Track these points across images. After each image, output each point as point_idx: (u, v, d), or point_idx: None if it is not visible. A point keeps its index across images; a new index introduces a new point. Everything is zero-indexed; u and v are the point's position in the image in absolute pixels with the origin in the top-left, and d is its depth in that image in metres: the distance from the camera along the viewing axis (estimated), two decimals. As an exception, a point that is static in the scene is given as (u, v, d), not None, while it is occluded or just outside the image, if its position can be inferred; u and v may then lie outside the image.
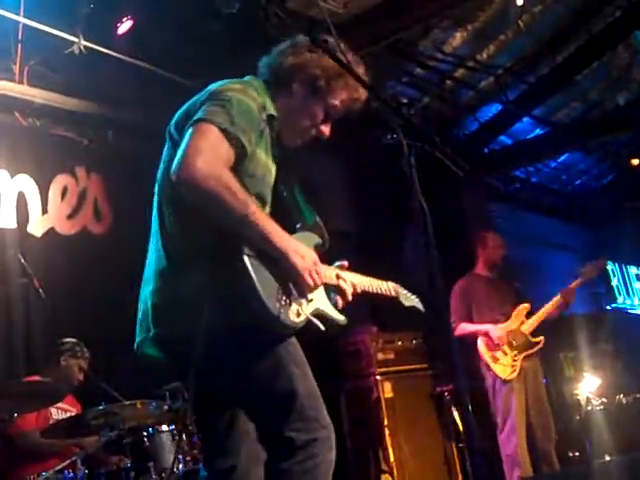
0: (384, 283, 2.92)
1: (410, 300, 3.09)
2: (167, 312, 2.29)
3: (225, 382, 2.36)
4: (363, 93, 2.59)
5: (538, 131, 9.10)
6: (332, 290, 2.61)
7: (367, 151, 7.36)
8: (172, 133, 2.41)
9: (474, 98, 8.08)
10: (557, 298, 5.74)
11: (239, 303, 2.17)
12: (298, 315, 2.31)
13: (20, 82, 5.26)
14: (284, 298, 2.26)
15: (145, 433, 4.45)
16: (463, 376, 2.39)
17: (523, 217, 10.15)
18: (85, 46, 5.17)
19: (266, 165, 2.43)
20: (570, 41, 7.57)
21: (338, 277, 2.61)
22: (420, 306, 3.11)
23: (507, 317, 5.75)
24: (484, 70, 7.62)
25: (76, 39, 5.13)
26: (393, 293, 2.97)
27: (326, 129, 2.62)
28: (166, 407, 4.39)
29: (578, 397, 7.04)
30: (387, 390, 6.13)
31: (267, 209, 2.46)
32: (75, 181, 5.69)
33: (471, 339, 5.68)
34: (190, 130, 2.23)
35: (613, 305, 10.93)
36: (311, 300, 2.42)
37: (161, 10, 5.12)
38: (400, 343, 6.47)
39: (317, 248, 2.56)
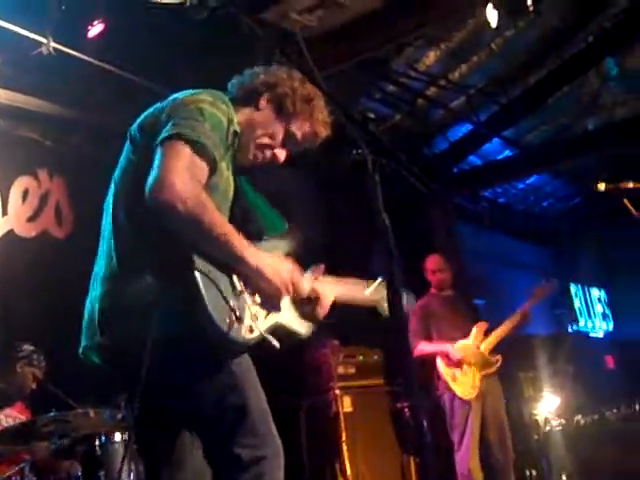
0: (365, 290, 2.84)
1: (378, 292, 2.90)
2: (114, 317, 2.23)
3: (171, 396, 2.31)
4: (324, 128, 2.58)
5: (508, 152, 9.16)
6: (304, 302, 2.57)
7: (337, 163, 7.37)
8: (134, 136, 2.37)
9: (445, 117, 8.12)
10: (514, 317, 5.78)
11: (187, 317, 2.12)
12: (251, 331, 2.25)
13: (-16, 79, 5.18)
14: (234, 315, 2.19)
15: (97, 442, 4.37)
16: (419, 393, 2.37)
17: (490, 237, 10.20)
18: (54, 48, 5.10)
19: (228, 179, 2.41)
20: (542, 65, 7.64)
21: (313, 291, 2.57)
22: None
23: (466, 335, 5.76)
24: (456, 89, 7.65)
25: (45, 40, 5.06)
26: (374, 304, 2.85)
27: (282, 155, 2.58)
28: (120, 416, 4.32)
29: (537, 417, 7.09)
30: (346, 405, 6.11)
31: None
32: (37, 183, 5.62)
33: (430, 358, 5.69)
34: (164, 148, 2.18)
35: (575, 327, 11.01)
36: (269, 313, 2.37)
37: (133, 15, 5.07)
38: (362, 358, 6.46)
39: (288, 255, 2.51)
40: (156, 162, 2.16)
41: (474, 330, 5.76)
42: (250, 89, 2.55)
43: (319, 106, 2.56)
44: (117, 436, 4.46)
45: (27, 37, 5.01)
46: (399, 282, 2.20)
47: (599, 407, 7.62)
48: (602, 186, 4.53)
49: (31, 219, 5.53)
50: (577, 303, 11.51)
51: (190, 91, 2.38)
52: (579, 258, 10.76)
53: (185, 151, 2.16)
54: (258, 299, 2.34)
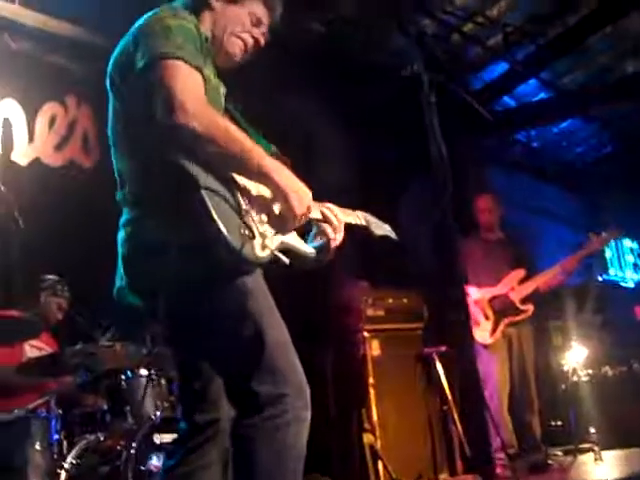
0: (353, 213, 2.73)
1: (382, 229, 2.87)
2: (133, 261, 2.22)
3: (193, 331, 2.22)
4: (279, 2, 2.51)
5: (543, 95, 8.89)
6: (314, 225, 2.49)
7: (362, 103, 7.19)
8: (112, 79, 2.28)
9: (481, 55, 7.86)
10: (555, 268, 5.61)
11: (199, 241, 2.03)
12: (263, 248, 2.13)
13: (12, 1, 5.00)
14: (247, 230, 2.09)
15: (123, 376, 4.30)
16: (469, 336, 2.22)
17: (522, 182, 10.00)
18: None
19: (217, 88, 2.33)
20: (583, 3, 7.35)
21: (323, 212, 2.47)
22: (393, 234, 2.91)
23: (497, 281, 5.63)
24: (493, 27, 7.40)
25: (75, -40, 4.88)
26: (363, 222, 2.77)
27: (260, 35, 2.50)
28: (145, 351, 4.24)
29: (564, 367, 7.01)
30: (375, 348, 5.99)
31: None
32: (64, 111, 5.47)
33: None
34: (151, 72, 2.09)
35: (604, 276, 10.86)
36: (277, 232, 2.25)
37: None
38: (391, 301, 6.29)
39: None
40: (154, 88, 2.08)
41: (508, 276, 5.62)
42: None
43: None
44: (143, 371, 4.38)
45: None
46: (450, 217, 2.04)
47: (627, 358, 7.54)
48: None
49: (58, 147, 5.40)
50: (608, 253, 11.33)
51: (148, 14, 2.27)
52: (611, 208, 10.53)
53: (177, 68, 2.09)
54: (264, 217, 2.22)
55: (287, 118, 6.21)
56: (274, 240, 2.23)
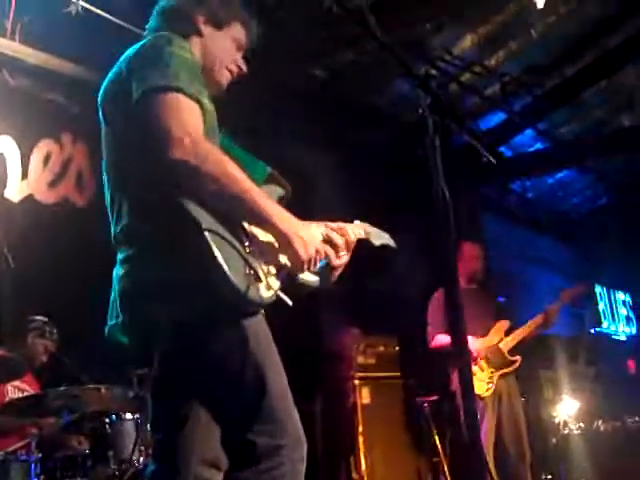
0: (350, 225, 2.62)
1: (381, 238, 2.79)
2: (132, 298, 2.11)
3: (190, 374, 2.13)
4: (253, 24, 2.47)
5: (539, 145, 8.93)
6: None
7: (365, 143, 7.20)
8: (104, 111, 2.22)
9: (478, 104, 7.89)
10: (539, 317, 5.58)
11: (202, 282, 1.95)
12: (268, 289, 2.06)
13: (12, 39, 5.00)
14: (252, 272, 2.02)
15: (107, 419, 4.21)
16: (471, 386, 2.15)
17: (515, 231, 10.00)
18: (84, 7, 4.93)
19: (213, 114, 2.23)
20: (580, 56, 7.41)
21: (327, 232, 2.37)
22: (392, 243, 2.83)
23: (486, 332, 5.57)
24: (491, 77, 7.44)
25: (74, -2, 4.89)
26: (363, 234, 2.65)
27: (242, 63, 2.46)
28: (132, 394, 4.15)
29: (556, 419, 6.95)
30: (365, 396, 5.93)
31: None
32: (60, 148, 5.43)
33: (447, 351, 5.48)
34: (148, 104, 2.02)
35: (597, 329, 10.82)
36: (280, 270, 2.18)
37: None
38: (382, 348, 6.26)
39: (281, 200, 2.34)
40: (150, 122, 2.00)
41: (495, 327, 5.57)
42: (182, 15, 2.36)
43: (238, 4, 2.46)
44: (128, 415, 4.30)
45: (57, -6, 4.86)
46: (453, 262, 2.00)
47: (620, 413, 7.47)
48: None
49: (52, 185, 5.35)
50: (601, 305, 11.31)
51: (140, 43, 2.20)
52: (606, 260, 10.53)
53: (176, 101, 2.02)
54: (270, 267, 2.15)
55: (288, 160, 6.22)
56: (279, 276, 2.16)
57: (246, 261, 2.02)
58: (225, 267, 1.92)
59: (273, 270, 2.14)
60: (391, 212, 7.43)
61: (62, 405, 4.01)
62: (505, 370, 5.51)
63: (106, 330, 2.21)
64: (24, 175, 5.19)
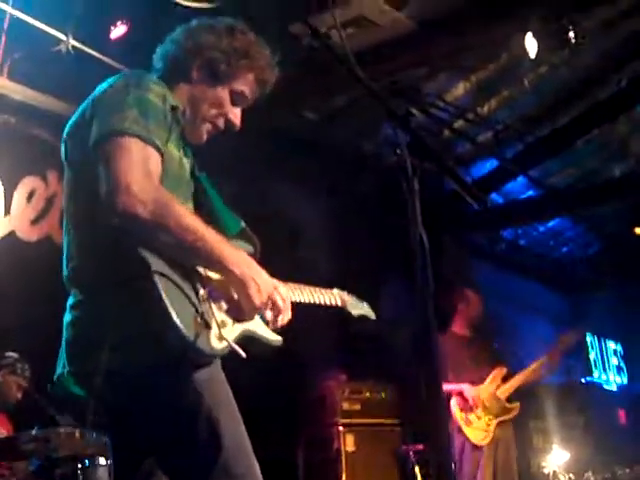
0: (327, 291, 2.58)
1: (359, 308, 2.73)
2: (77, 347, 2.04)
3: (139, 428, 2.04)
4: (271, 72, 2.35)
5: (531, 192, 8.93)
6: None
7: (349, 193, 7.18)
8: (65, 153, 2.16)
9: (470, 151, 7.91)
10: (537, 363, 5.51)
11: (149, 330, 1.87)
12: (220, 339, 1.97)
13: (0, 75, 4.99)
14: (202, 321, 1.93)
15: (80, 465, 4.06)
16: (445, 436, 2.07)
17: (506, 279, 9.96)
18: (73, 46, 4.92)
19: (180, 162, 2.16)
20: (573, 105, 7.46)
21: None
22: (371, 314, 2.77)
23: (483, 379, 5.50)
24: (483, 124, 7.46)
25: (64, 37, 4.88)
26: (339, 302, 2.61)
27: (236, 117, 2.33)
28: (106, 439, 4.03)
29: (545, 470, 6.86)
30: (349, 443, 5.80)
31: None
32: (45, 185, 5.38)
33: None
34: (101, 150, 1.96)
35: (588, 378, 10.73)
36: (237, 321, 2.10)
37: (157, 17, 4.88)
38: (368, 394, 6.14)
39: (250, 256, 2.25)
40: (101, 167, 1.94)
41: (492, 374, 5.50)
42: (177, 61, 2.28)
43: (258, 52, 2.32)
44: (101, 460, 4.15)
45: (47, 33, 4.85)
46: (431, 314, 1.94)
47: (611, 464, 7.37)
48: (639, 230, 4.39)
49: (35, 222, 5.29)
50: (592, 354, 11.24)
51: (109, 80, 2.14)
52: (596, 309, 10.49)
53: (130, 146, 1.94)
54: (224, 305, 2.07)
55: (275, 203, 6.18)
56: (235, 329, 2.08)
57: (197, 309, 1.93)
58: (173, 314, 1.84)
59: (229, 321, 2.07)
60: (379, 260, 7.43)
61: (33, 449, 3.89)
62: (503, 417, 5.45)
63: (55, 379, 2.11)
64: (6, 211, 5.14)
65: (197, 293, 1.98)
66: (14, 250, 5.09)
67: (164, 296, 1.85)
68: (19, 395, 4.51)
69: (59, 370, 2.09)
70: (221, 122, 2.32)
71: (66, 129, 2.18)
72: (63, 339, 2.08)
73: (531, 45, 5.62)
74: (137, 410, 2.02)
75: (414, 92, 6.78)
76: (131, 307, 1.90)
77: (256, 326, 2.19)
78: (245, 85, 2.31)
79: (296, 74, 5.97)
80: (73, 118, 2.17)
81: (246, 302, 2.05)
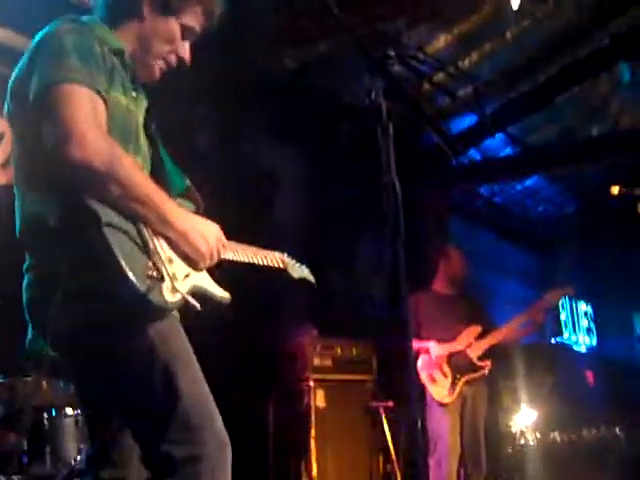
0: (270, 253, 2.57)
1: (299, 271, 2.73)
2: (35, 309, 2.01)
3: (98, 381, 2.02)
4: (218, 4, 2.28)
5: (509, 150, 8.85)
6: None
7: (327, 142, 7.05)
8: (8, 107, 2.05)
9: (450, 106, 7.77)
10: (512, 323, 5.45)
11: (101, 284, 1.80)
12: (174, 292, 1.91)
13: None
14: (155, 272, 1.87)
15: (46, 414, 3.95)
16: (415, 394, 1.99)
17: (482, 237, 9.93)
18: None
19: (128, 110, 2.07)
20: (554, 61, 7.33)
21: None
22: (311, 278, 2.78)
23: (455, 337, 5.44)
24: (463, 78, 7.33)
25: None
26: (280, 264, 2.61)
27: (186, 52, 2.28)
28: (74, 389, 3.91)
29: (512, 429, 6.89)
30: (319, 399, 5.74)
31: (144, 161, 2.14)
32: (14, 128, 5.16)
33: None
34: (45, 99, 1.86)
35: (558, 339, 10.81)
36: (187, 275, 2.04)
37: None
38: (340, 351, 6.07)
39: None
40: (48, 117, 1.86)
41: (464, 332, 5.43)
42: (123, 2, 2.19)
43: None
44: (68, 410, 4.05)
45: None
46: (402, 268, 1.82)
47: (577, 425, 7.43)
48: (615, 190, 4.32)
49: (3, 166, 5.06)
50: (563, 315, 11.31)
51: (45, 29, 2.02)
52: (569, 270, 10.51)
53: (71, 94, 1.86)
54: (174, 257, 2.03)
55: (250, 152, 6.03)
56: (186, 283, 2.03)
57: (150, 260, 1.89)
58: (124, 265, 1.79)
59: (181, 273, 2.02)
60: (356, 213, 7.32)
61: (-2, 397, 3.78)
62: (471, 376, 5.39)
63: (27, 343, 2.10)
64: (-26, 155, 4.92)
65: (147, 244, 1.92)
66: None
67: (114, 247, 1.80)
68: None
69: (29, 336, 2.09)
70: (173, 58, 2.26)
71: (9, 86, 2.05)
72: (24, 301, 2.05)
73: (516, -4, 5.49)
74: (93, 366, 2.00)
75: (394, 42, 6.63)
76: (82, 260, 1.84)
77: (204, 282, 2.16)
78: (194, 18, 2.25)
79: (276, 20, 5.80)
80: (14, 74, 2.04)
81: (191, 250, 2.03)
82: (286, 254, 2.69)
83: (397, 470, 5.68)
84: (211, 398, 2.01)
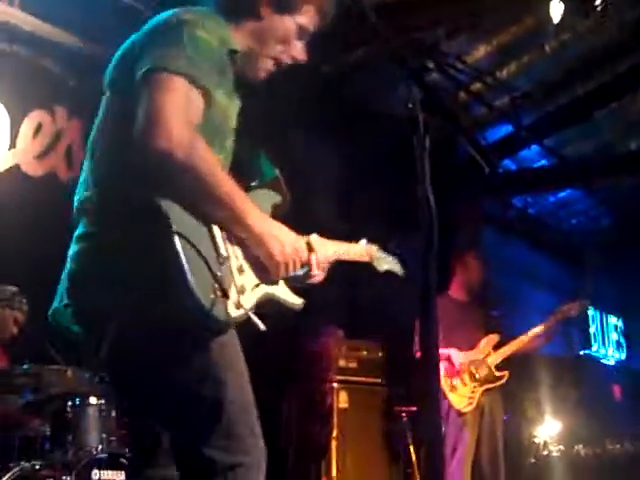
0: (356, 246, 2.55)
1: (387, 262, 2.69)
2: (85, 280, 1.93)
3: (141, 379, 1.98)
4: (332, 3, 2.25)
5: (544, 162, 8.81)
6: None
7: (367, 145, 7.09)
8: (108, 81, 2.07)
9: (486, 116, 7.78)
10: (531, 333, 5.44)
11: (163, 289, 1.78)
12: (238, 307, 1.89)
13: (11, 4, 4.89)
14: (220, 288, 1.84)
15: (70, 403, 4.04)
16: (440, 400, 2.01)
17: (514, 247, 9.89)
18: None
19: (226, 110, 2.07)
20: (593, 76, 7.30)
21: (310, 249, 2.19)
22: (399, 269, 2.74)
23: (473, 346, 5.45)
24: (501, 89, 7.33)
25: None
26: (366, 258, 2.58)
27: (301, 52, 2.24)
28: (98, 379, 4.02)
29: (536, 440, 6.86)
30: (342, 400, 5.80)
31: (225, 160, 2.11)
32: (52, 120, 5.30)
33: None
34: (148, 84, 1.86)
35: (586, 351, 10.73)
36: (257, 285, 2.02)
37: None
38: (365, 353, 6.12)
39: (277, 208, 2.22)
40: (143, 101, 1.84)
41: (483, 341, 5.44)
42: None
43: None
44: (92, 399, 4.13)
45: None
46: (433, 280, 1.85)
47: (602, 439, 7.38)
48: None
49: (40, 157, 5.21)
50: (593, 328, 11.22)
51: (167, 13, 2.02)
52: (601, 283, 10.43)
53: (175, 85, 1.85)
54: (246, 266, 2.00)
55: (287, 156, 6.10)
56: (255, 293, 2.01)
57: (215, 275, 1.84)
58: (190, 279, 1.76)
59: (250, 283, 2.00)
60: (388, 218, 7.36)
61: (25, 383, 3.89)
62: (490, 385, 5.38)
63: (50, 314, 2.03)
64: (12, 144, 5.07)
65: (218, 253, 1.90)
66: (18, 184, 5.05)
67: (183, 258, 1.77)
68: (15, 330, 4.48)
69: (55, 304, 2.02)
70: (285, 58, 2.23)
71: (114, 60, 2.07)
72: (65, 271, 1.99)
73: (556, 10, 5.48)
74: (140, 360, 1.94)
75: (433, 50, 6.66)
76: (146, 261, 1.81)
77: (276, 289, 2.12)
78: (308, 18, 2.22)
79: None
80: (121, 49, 2.06)
81: (265, 255, 2.01)
82: (372, 244, 2.64)
83: (417, 475, 5.70)
84: (254, 410, 2.00)
